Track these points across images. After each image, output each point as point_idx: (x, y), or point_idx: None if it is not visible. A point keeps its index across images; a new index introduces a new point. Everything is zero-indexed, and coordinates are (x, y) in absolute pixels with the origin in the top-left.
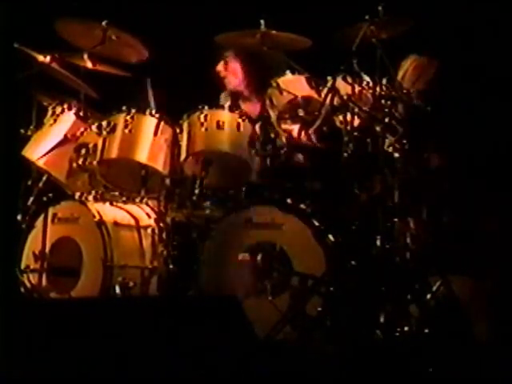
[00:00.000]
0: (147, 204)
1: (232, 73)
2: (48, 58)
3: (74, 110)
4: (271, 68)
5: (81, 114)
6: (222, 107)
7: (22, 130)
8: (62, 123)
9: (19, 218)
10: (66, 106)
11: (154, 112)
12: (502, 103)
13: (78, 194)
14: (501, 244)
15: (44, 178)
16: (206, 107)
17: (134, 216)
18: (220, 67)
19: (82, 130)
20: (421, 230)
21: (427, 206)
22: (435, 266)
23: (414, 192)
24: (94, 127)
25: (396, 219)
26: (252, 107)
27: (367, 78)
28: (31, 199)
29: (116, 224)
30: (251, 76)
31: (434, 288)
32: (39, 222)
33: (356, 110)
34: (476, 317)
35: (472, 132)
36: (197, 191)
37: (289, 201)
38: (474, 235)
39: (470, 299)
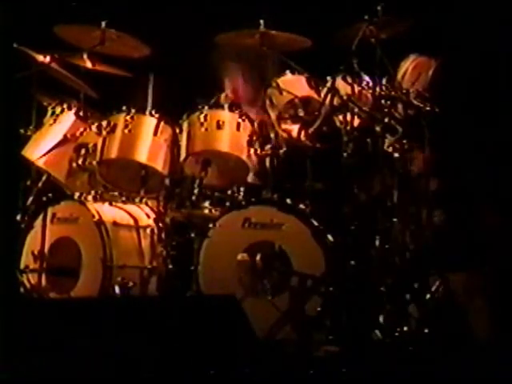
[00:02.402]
0: (146, 204)
1: (242, 93)
2: (48, 58)
3: (73, 110)
4: (268, 68)
5: (81, 113)
6: (222, 107)
7: (22, 130)
8: (62, 123)
9: (18, 217)
10: (65, 106)
11: (153, 112)
12: (503, 103)
13: (77, 194)
14: (499, 239)
15: (43, 178)
16: (206, 107)
17: (133, 216)
18: (229, 93)
19: (81, 129)
20: (420, 230)
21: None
22: (434, 266)
23: (414, 192)
24: (93, 127)
25: (395, 219)
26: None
27: (367, 78)
28: (30, 199)
29: (115, 224)
30: (252, 83)
31: (433, 288)
32: (38, 222)
33: (356, 109)
34: (474, 314)
35: (472, 131)
36: (196, 191)
37: (288, 201)
38: (472, 232)
39: (467, 295)
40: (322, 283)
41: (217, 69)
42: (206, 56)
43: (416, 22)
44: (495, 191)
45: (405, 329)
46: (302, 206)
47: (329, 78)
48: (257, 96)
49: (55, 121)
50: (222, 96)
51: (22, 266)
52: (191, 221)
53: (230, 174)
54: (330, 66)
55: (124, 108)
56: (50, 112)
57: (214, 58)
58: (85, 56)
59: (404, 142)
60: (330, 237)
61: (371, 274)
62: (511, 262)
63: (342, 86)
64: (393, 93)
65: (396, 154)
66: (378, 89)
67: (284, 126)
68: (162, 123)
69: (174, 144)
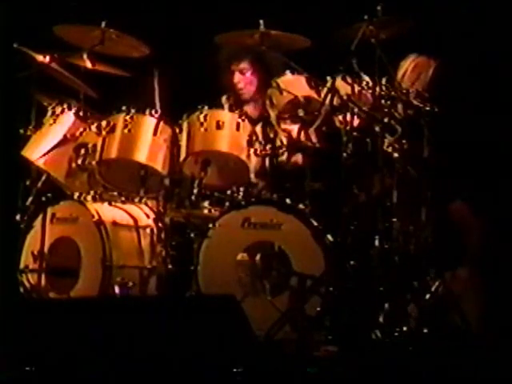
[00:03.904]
0: (146, 204)
1: (249, 83)
2: (47, 58)
3: (73, 110)
4: (272, 68)
5: (80, 113)
6: (222, 107)
7: (22, 130)
8: (62, 123)
9: (18, 217)
10: (65, 106)
11: (153, 111)
12: (502, 103)
13: (76, 194)
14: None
15: (43, 178)
16: (206, 107)
17: (132, 216)
18: (238, 79)
19: (81, 129)
20: (419, 230)
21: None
22: (434, 266)
23: (413, 192)
24: (93, 127)
25: (395, 219)
26: (254, 109)
27: (366, 78)
28: (30, 199)
29: (115, 224)
30: (261, 81)
31: (433, 288)
32: (38, 222)
33: (355, 109)
34: (473, 313)
35: (471, 131)
36: (196, 191)
37: (288, 201)
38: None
39: (466, 295)
40: (321, 283)
41: (222, 66)
42: (210, 55)
43: (415, 22)
44: (495, 191)
45: (404, 329)
46: (301, 205)
47: (329, 78)
48: (262, 92)
49: (55, 121)
50: (223, 98)
51: (21, 265)
52: (191, 221)
53: (229, 174)
54: (330, 66)
55: (123, 108)
56: (49, 112)
57: (220, 55)
58: (84, 56)
59: (403, 141)
60: (329, 237)
61: (371, 273)
62: (510, 261)
63: (342, 86)
64: (392, 93)
65: (396, 154)
66: (377, 89)
67: (284, 126)
68: (162, 123)
69: (174, 144)
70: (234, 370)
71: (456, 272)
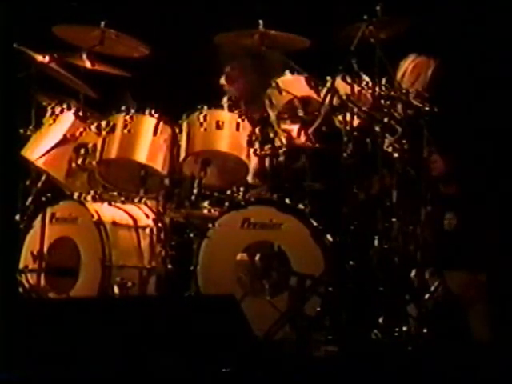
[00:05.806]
0: (146, 204)
1: (236, 86)
2: (47, 58)
3: (73, 110)
4: (271, 68)
5: (80, 114)
6: (222, 107)
7: (21, 130)
8: (62, 123)
9: (18, 218)
10: (65, 106)
11: (153, 112)
12: (502, 103)
13: (76, 194)
14: (499, 238)
15: (43, 178)
16: (206, 107)
17: (132, 216)
18: (223, 81)
19: (81, 130)
20: (419, 230)
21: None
22: (433, 265)
23: (413, 192)
24: (93, 127)
25: (394, 219)
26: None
27: (366, 78)
28: (30, 199)
29: (114, 224)
30: (253, 81)
31: (432, 288)
32: (37, 222)
33: (355, 109)
34: (473, 313)
35: (471, 132)
36: (195, 191)
37: (287, 201)
38: (472, 232)
39: (467, 294)
40: (321, 283)
41: (217, 67)
42: (207, 55)
43: (415, 22)
44: (495, 191)
45: (404, 329)
46: (301, 205)
47: (328, 78)
48: (256, 95)
49: (55, 121)
50: (224, 99)
51: (21, 266)
52: (190, 221)
53: (229, 174)
54: (330, 66)
55: (123, 108)
56: (49, 112)
57: (216, 56)
58: (84, 56)
59: (403, 141)
60: (328, 237)
61: (370, 273)
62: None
63: (342, 86)
64: (392, 93)
65: (395, 154)
66: (377, 89)
67: (283, 126)
68: (162, 123)
69: (174, 144)
70: (234, 370)
71: (473, 275)
